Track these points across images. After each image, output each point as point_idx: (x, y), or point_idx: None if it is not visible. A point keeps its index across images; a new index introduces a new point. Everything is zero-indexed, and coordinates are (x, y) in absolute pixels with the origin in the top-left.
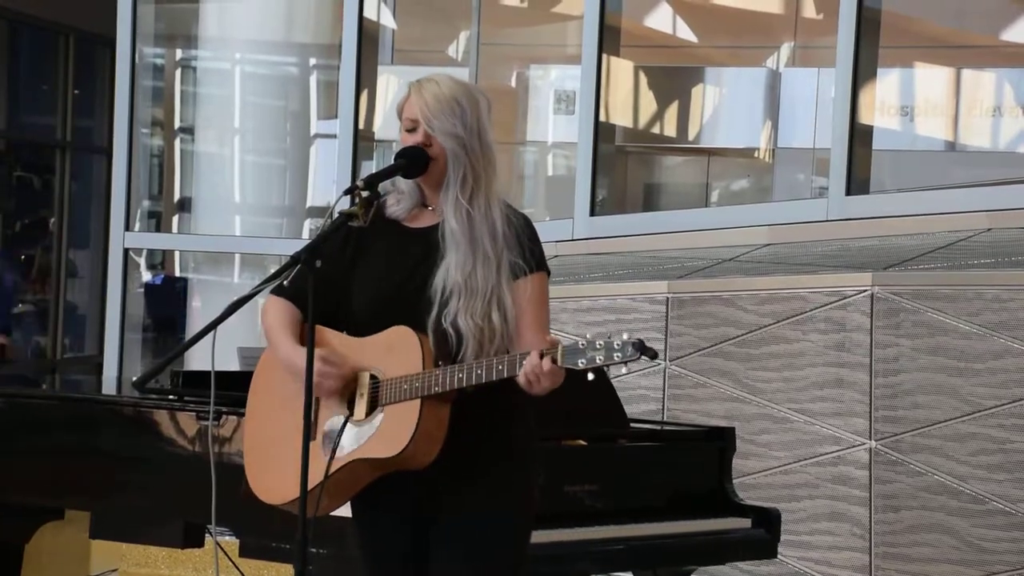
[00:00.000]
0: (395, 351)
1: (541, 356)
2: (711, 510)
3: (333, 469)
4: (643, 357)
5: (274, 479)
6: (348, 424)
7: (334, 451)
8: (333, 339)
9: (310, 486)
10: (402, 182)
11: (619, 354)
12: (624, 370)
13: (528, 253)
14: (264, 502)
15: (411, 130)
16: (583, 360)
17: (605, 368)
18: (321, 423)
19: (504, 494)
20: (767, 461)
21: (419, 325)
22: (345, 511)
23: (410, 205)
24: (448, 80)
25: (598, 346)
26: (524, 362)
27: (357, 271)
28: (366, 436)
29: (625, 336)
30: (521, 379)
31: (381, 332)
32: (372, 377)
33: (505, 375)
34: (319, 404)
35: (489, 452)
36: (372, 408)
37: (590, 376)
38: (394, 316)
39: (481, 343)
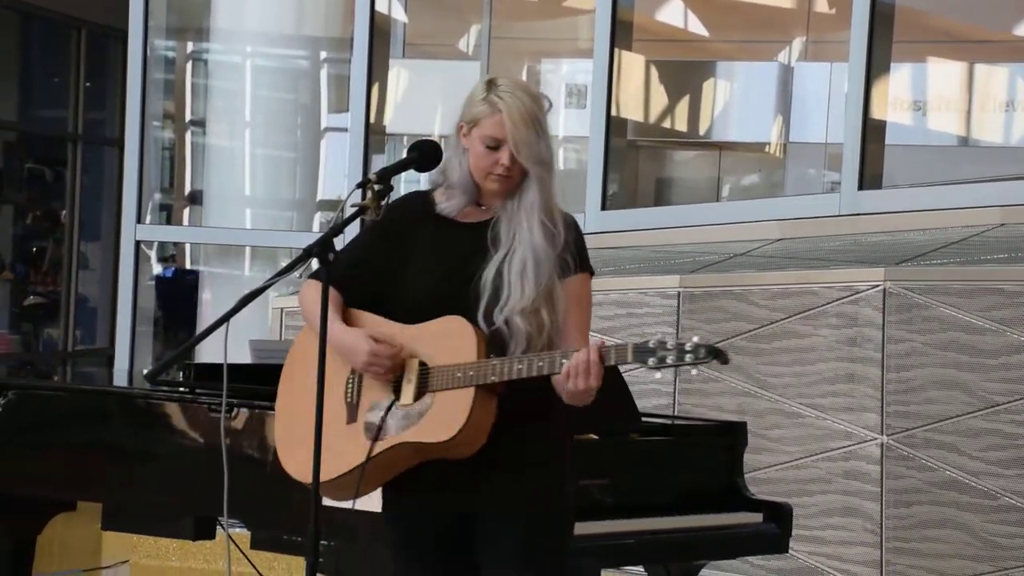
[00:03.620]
0: (447, 340)
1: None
2: (722, 505)
3: (376, 452)
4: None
5: (308, 457)
6: (393, 408)
7: (378, 433)
8: (381, 325)
9: (349, 467)
10: (455, 177)
11: (691, 356)
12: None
13: (576, 252)
14: (285, 487)
15: (494, 147)
16: (653, 359)
17: (675, 367)
18: (363, 405)
19: (540, 489)
20: (778, 456)
21: (467, 318)
22: (376, 505)
23: (464, 202)
24: (525, 91)
25: (669, 347)
26: (570, 357)
27: (405, 264)
28: (413, 421)
29: (696, 339)
30: (561, 375)
31: (432, 321)
32: (421, 364)
33: (557, 371)
34: (361, 386)
35: (527, 448)
36: (420, 394)
37: (658, 375)
38: (440, 308)
39: (530, 338)
